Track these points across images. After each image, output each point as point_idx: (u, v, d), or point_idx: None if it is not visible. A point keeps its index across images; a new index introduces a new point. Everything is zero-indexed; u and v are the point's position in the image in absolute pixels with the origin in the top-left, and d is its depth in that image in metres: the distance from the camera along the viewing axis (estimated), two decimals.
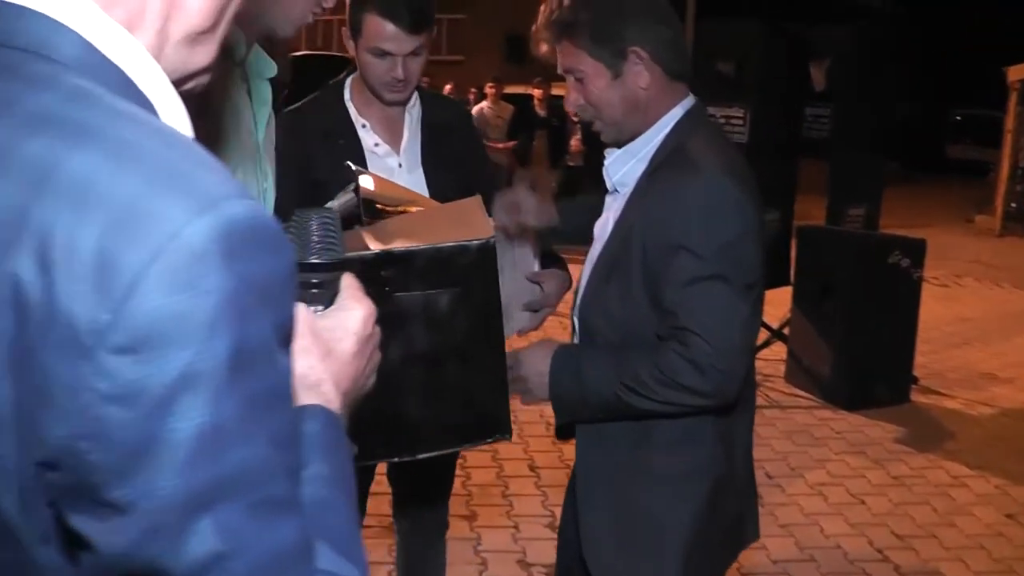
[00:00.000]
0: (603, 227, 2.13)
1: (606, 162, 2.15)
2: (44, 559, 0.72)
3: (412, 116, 2.54)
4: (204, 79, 0.91)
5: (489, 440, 2.13)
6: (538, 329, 2.45)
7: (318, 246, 1.06)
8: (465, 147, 2.61)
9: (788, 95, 6.49)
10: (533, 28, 2.10)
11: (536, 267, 2.39)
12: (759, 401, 6.11)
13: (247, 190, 0.77)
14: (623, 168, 2.10)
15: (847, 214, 6.89)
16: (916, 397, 6.44)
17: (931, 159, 24.09)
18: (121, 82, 0.79)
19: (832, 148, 6.87)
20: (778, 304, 7.25)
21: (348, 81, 2.54)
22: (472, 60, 24.13)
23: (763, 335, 6.97)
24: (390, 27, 2.30)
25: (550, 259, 2.46)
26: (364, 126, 2.49)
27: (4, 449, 0.69)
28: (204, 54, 0.88)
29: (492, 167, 2.96)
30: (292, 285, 0.77)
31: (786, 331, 6.74)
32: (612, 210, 2.12)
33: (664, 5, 2.07)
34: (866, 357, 6.15)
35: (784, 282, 6.68)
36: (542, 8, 2.07)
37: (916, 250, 6.32)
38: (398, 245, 1.84)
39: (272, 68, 1.77)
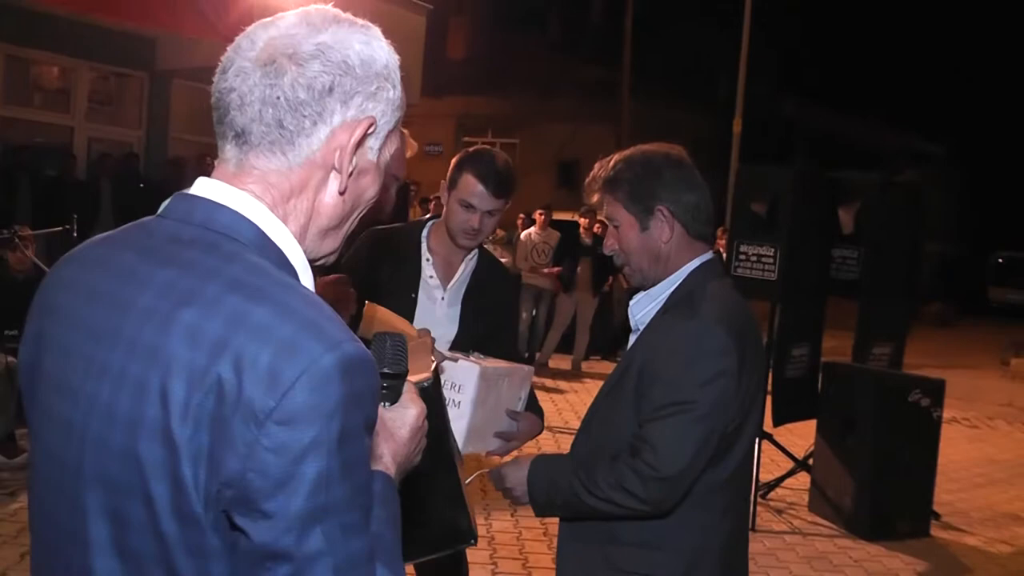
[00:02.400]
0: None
1: (631, 303, 2.53)
2: (213, 541, 1.13)
3: (467, 266, 3.07)
4: (332, 258, 1.37)
5: (458, 547, 2.53)
6: (503, 456, 2.85)
7: (390, 360, 1.47)
8: (499, 305, 3.14)
9: (818, 236, 6.87)
10: (588, 179, 2.51)
11: (519, 407, 2.84)
12: (781, 527, 6.38)
13: (352, 333, 1.19)
14: (643, 310, 2.47)
15: (872, 352, 7.19)
16: (937, 532, 6.63)
17: (973, 300, 24.23)
18: (280, 259, 1.24)
19: (860, 289, 7.19)
20: (803, 435, 7.52)
21: (429, 223, 3.09)
22: (523, 183, 24.89)
23: (788, 464, 7.23)
24: (479, 187, 2.87)
25: (532, 405, 2.91)
26: (428, 260, 3.02)
27: (201, 474, 1.11)
28: (332, 243, 1.35)
29: (516, 328, 3.57)
30: (376, 396, 1.20)
31: (810, 462, 6.98)
32: (631, 344, 2.50)
33: (695, 176, 2.45)
34: (887, 490, 6.39)
35: (810, 415, 6.96)
36: (598, 164, 2.49)
37: (936, 390, 6.61)
38: None
39: None
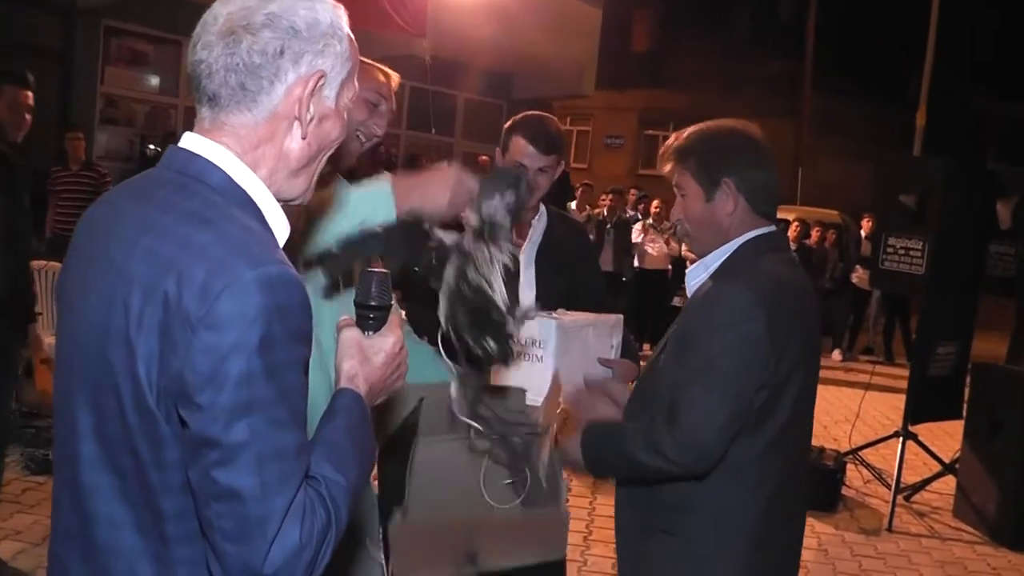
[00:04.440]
0: None
1: (687, 271, 2.57)
2: (165, 430, 1.33)
3: (537, 228, 3.11)
4: (303, 198, 1.56)
5: None
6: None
7: (375, 295, 1.63)
8: (576, 259, 3.17)
9: (972, 230, 6.58)
10: (661, 149, 2.57)
11: (613, 355, 2.82)
12: (920, 530, 6.16)
13: (282, 257, 1.38)
14: (696, 278, 2.51)
15: None
16: None
17: None
18: (243, 198, 1.45)
19: (1017, 287, 6.84)
20: (949, 438, 7.23)
21: None
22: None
23: (934, 467, 6.97)
24: (530, 148, 2.98)
25: (628, 351, 2.89)
26: None
27: (153, 373, 1.32)
28: (303, 182, 1.54)
29: (600, 279, 3.51)
30: (302, 309, 1.36)
31: (957, 465, 6.70)
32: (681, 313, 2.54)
33: (764, 154, 2.47)
34: None
35: (955, 415, 6.68)
36: (673, 136, 2.54)
37: None
38: None
39: None
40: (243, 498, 1.28)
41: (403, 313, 1.62)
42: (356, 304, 1.64)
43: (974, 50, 24.90)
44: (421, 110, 15.81)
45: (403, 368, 1.66)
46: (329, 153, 1.56)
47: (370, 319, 1.63)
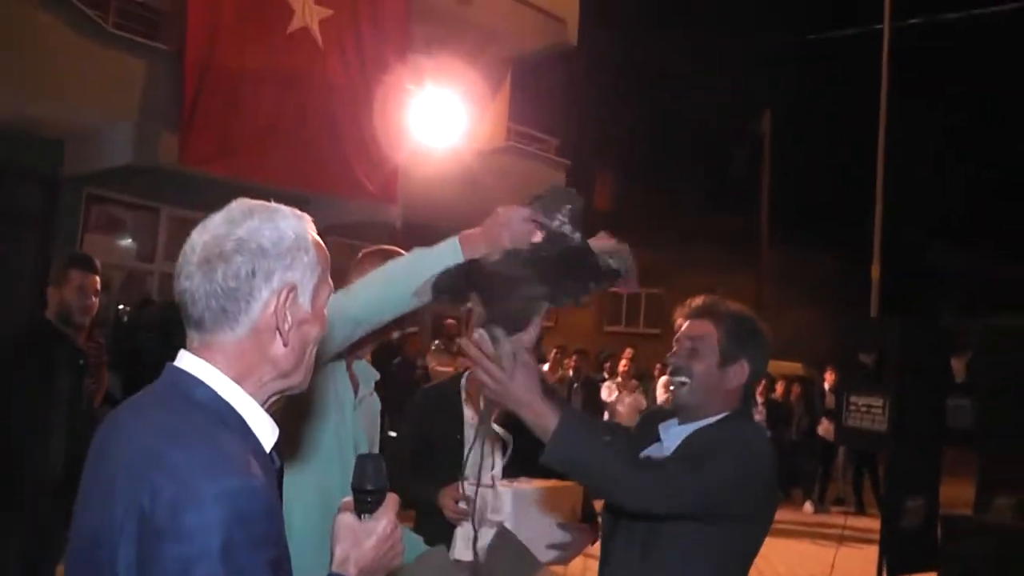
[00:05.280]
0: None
1: (665, 425, 2.76)
2: None
3: None
4: (303, 386, 1.72)
5: None
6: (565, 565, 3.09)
7: (371, 478, 1.75)
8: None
9: (929, 386, 6.88)
10: (692, 301, 2.78)
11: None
12: None
13: (253, 469, 1.53)
14: (680, 436, 2.68)
15: (995, 504, 7.03)
16: None
17: None
18: (227, 411, 1.60)
19: (977, 439, 7.10)
20: None
21: (466, 374, 3.45)
22: (669, 333, 25.07)
23: None
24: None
25: (587, 515, 3.19)
26: (466, 402, 3.42)
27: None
28: (297, 377, 1.69)
29: None
30: (264, 515, 1.50)
31: None
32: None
33: (769, 352, 2.75)
34: None
35: (929, 567, 6.82)
36: (702, 296, 2.78)
37: None
38: None
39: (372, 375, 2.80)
40: None
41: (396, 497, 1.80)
42: (353, 488, 1.76)
43: (926, 203, 25.91)
44: None
45: (398, 548, 1.78)
46: (315, 348, 1.73)
47: (368, 502, 1.75)
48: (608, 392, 12.45)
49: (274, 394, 1.69)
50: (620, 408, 12.29)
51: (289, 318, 1.64)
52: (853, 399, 6.79)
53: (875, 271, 17.77)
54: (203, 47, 11.04)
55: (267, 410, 1.69)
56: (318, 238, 1.71)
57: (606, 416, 12.21)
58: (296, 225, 1.67)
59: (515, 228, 2.34)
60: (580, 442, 2.35)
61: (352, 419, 2.68)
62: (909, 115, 21.88)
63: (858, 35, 20.49)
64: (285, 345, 1.65)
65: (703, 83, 26.00)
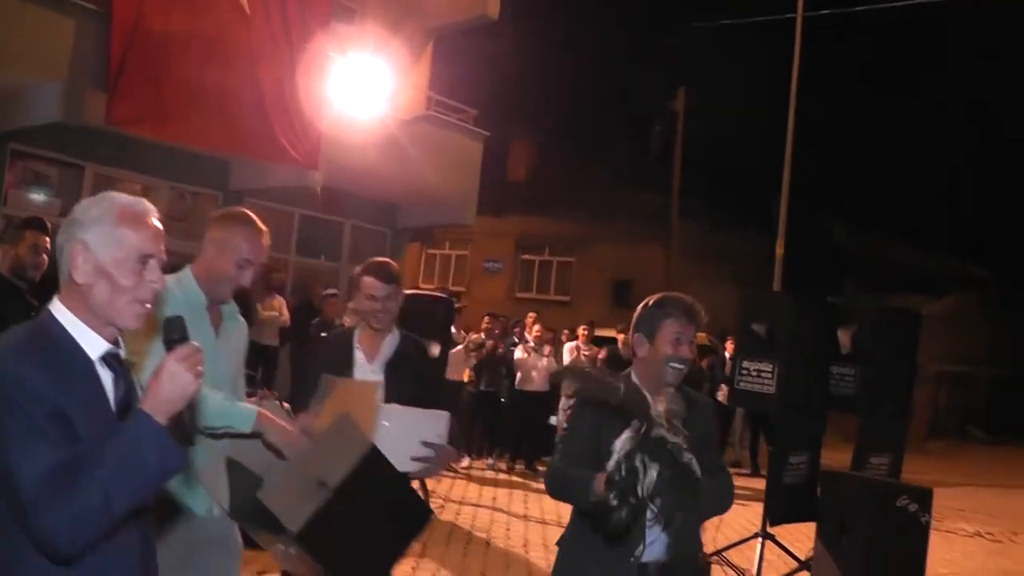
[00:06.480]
0: None
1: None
2: None
3: (389, 344, 4.11)
4: (132, 324, 2.31)
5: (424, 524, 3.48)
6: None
7: (174, 331, 2.25)
8: (421, 374, 4.12)
9: (816, 355, 7.52)
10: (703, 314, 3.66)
11: (439, 441, 3.76)
12: None
13: (30, 360, 2.13)
14: None
15: (870, 462, 7.73)
16: None
17: (1017, 423, 24.24)
18: (58, 326, 2.24)
19: (856, 404, 7.78)
20: (804, 538, 8.02)
21: (357, 330, 4.17)
22: (579, 300, 25.83)
23: (792, 565, 7.74)
24: (377, 282, 4.06)
25: (453, 440, 3.87)
26: (358, 348, 4.10)
27: None
28: (118, 312, 2.28)
29: (444, 391, 4.69)
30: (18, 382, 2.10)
31: (811, 563, 7.46)
32: None
33: None
34: None
35: (809, 518, 7.49)
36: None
37: (923, 497, 7.09)
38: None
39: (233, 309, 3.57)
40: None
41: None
42: (163, 341, 2.23)
43: (832, 186, 26.97)
44: (311, 238, 16.47)
45: (183, 378, 2.18)
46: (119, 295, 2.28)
47: (171, 350, 2.23)
48: (523, 354, 12.99)
49: (109, 322, 2.28)
50: (534, 373, 12.86)
51: (81, 264, 2.24)
52: (746, 364, 7.39)
53: (779, 249, 18.61)
54: (130, 9, 11.14)
55: (113, 333, 2.27)
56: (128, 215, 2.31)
57: (519, 377, 12.77)
58: (105, 206, 2.32)
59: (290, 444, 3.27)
60: None
61: (213, 353, 3.20)
62: (819, 99, 22.78)
63: (774, 21, 21.17)
64: (83, 282, 2.25)
65: (622, 60, 26.61)
